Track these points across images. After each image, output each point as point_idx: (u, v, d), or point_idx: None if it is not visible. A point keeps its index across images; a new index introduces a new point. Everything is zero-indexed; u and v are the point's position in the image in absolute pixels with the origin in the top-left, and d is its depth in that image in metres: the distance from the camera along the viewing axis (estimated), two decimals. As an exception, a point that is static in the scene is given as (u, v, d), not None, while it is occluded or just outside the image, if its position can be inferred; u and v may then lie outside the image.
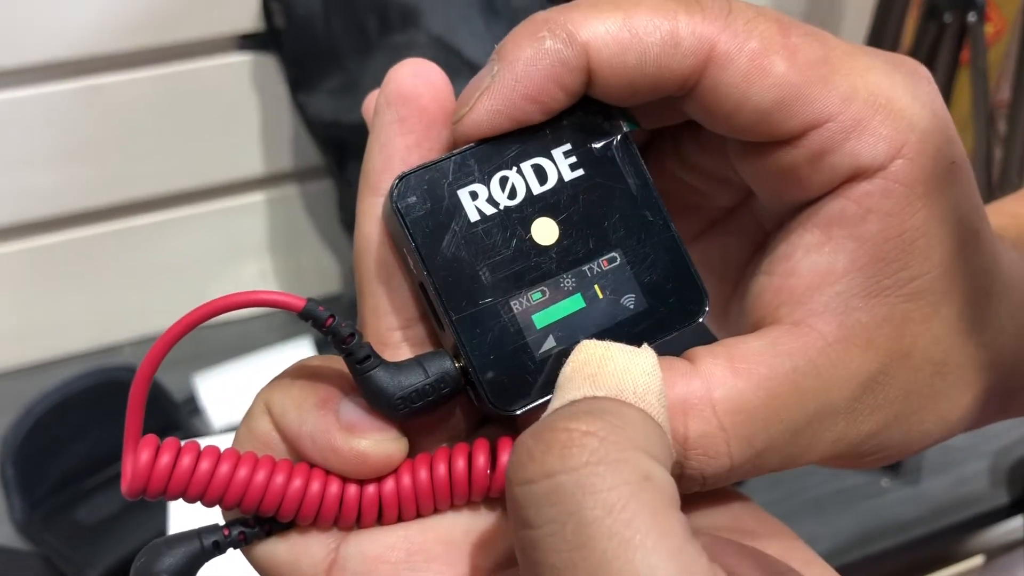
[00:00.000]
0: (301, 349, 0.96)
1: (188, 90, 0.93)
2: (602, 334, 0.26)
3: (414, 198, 0.25)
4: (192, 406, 0.93)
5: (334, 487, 0.25)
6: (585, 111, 0.26)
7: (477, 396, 0.26)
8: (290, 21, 0.88)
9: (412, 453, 0.26)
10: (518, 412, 0.25)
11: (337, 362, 0.26)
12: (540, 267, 0.26)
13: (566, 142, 0.26)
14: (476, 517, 0.26)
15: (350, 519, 0.25)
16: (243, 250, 1.05)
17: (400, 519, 0.26)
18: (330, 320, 0.24)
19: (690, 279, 0.27)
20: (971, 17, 0.94)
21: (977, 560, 0.87)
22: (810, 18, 1.13)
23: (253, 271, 1.07)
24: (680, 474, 0.25)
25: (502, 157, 0.26)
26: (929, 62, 0.94)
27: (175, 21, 0.89)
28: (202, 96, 0.94)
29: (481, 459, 0.25)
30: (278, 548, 0.26)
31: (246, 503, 0.25)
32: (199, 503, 0.25)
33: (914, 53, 0.97)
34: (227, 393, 0.93)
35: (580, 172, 0.26)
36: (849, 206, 0.25)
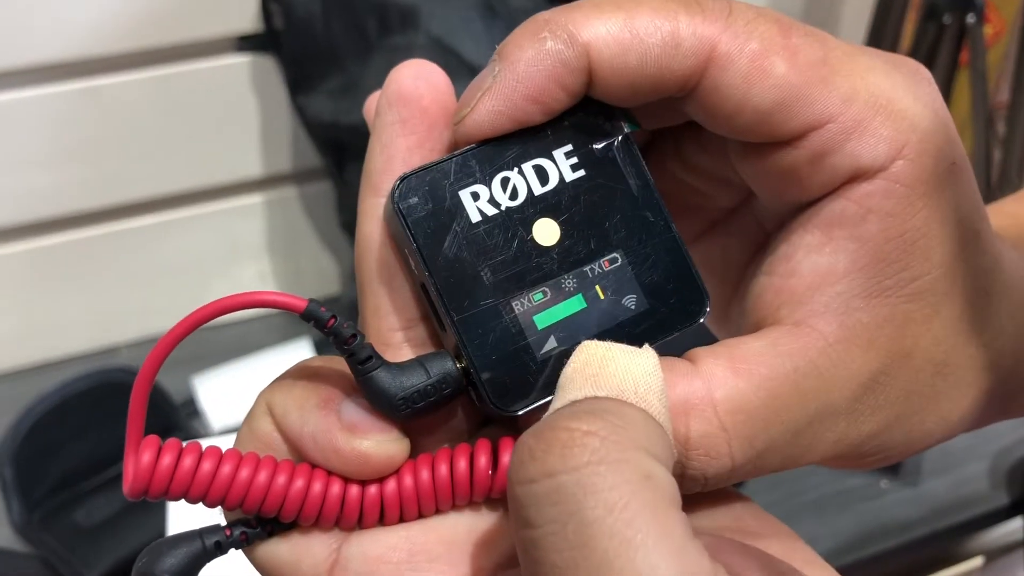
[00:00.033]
0: (300, 351, 0.96)
1: (187, 91, 0.93)
2: (603, 335, 0.26)
3: (416, 199, 0.25)
4: (191, 408, 0.93)
5: (336, 487, 0.25)
6: (586, 112, 0.26)
7: (479, 397, 0.26)
8: (289, 22, 0.88)
9: (414, 454, 0.26)
10: (519, 413, 0.25)
11: (338, 363, 0.26)
12: (541, 268, 0.26)
13: (567, 143, 0.26)
14: (478, 517, 0.26)
15: (352, 519, 0.25)
16: (242, 251, 1.05)
17: (402, 519, 0.26)
18: (332, 321, 0.24)
19: (691, 280, 0.27)
20: (970, 18, 0.94)
21: (977, 561, 0.87)
22: (809, 19, 1.13)
23: (252, 272, 1.07)
24: (682, 474, 0.25)
25: (503, 158, 0.26)
26: (928, 63, 0.94)
27: (174, 22, 0.89)
28: (201, 97, 0.94)
29: (483, 459, 0.25)
30: (280, 548, 0.26)
31: (248, 504, 0.25)
32: (201, 504, 0.25)
33: (913, 54, 0.97)
34: (226, 395, 0.93)
35: (581, 173, 0.26)
36: (850, 207, 0.26)
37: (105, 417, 0.85)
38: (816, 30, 0.26)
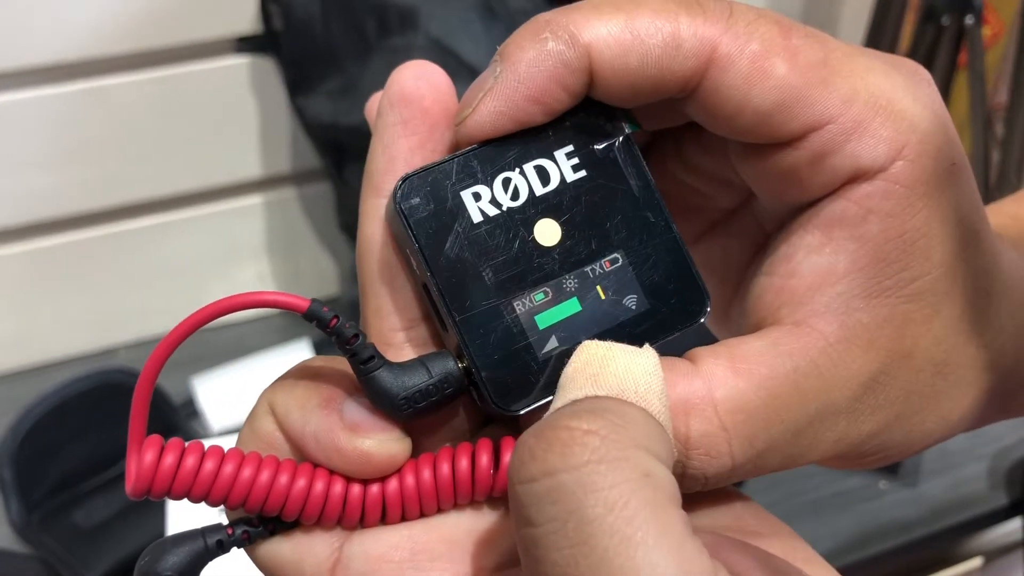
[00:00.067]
0: (299, 352, 0.96)
1: (186, 92, 0.93)
2: (604, 335, 0.26)
3: (417, 199, 0.25)
4: (190, 409, 0.93)
5: (338, 487, 0.25)
6: (587, 112, 0.26)
7: (480, 396, 0.26)
8: (288, 23, 0.88)
9: (415, 453, 0.26)
10: (521, 412, 0.26)
11: (340, 363, 0.26)
12: (543, 268, 0.26)
13: (568, 143, 0.26)
14: (479, 516, 0.26)
15: (354, 519, 0.25)
16: (241, 252, 1.05)
17: (404, 519, 0.26)
18: (334, 321, 0.24)
19: (691, 280, 0.27)
20: (969, 20, 0.94)
21: (976, 562, 0.88)
22: (808, 21, 1.13)
23: (251, 273, 1.07)
24: (682, 473, 0.25)
25: (505, 158, 0.26)
26: (927, 65, 0.94)
27: (173, 23, 0.89)
28: (200, 98, 0.94)
29: (484, 459, 0.25)
30: (282, 547, 0.26)
31: (250, 503, 0.25)
32: (203, 503, 0.25)
33: (911, 56, 0.97)
34: (225, 396, 0.93)
35: (582, 173, 0.27)
36: (850, 207, 0.26)
37: (104, 418, 0.85)
38: (816, 31, 0.26)
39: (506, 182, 0.26)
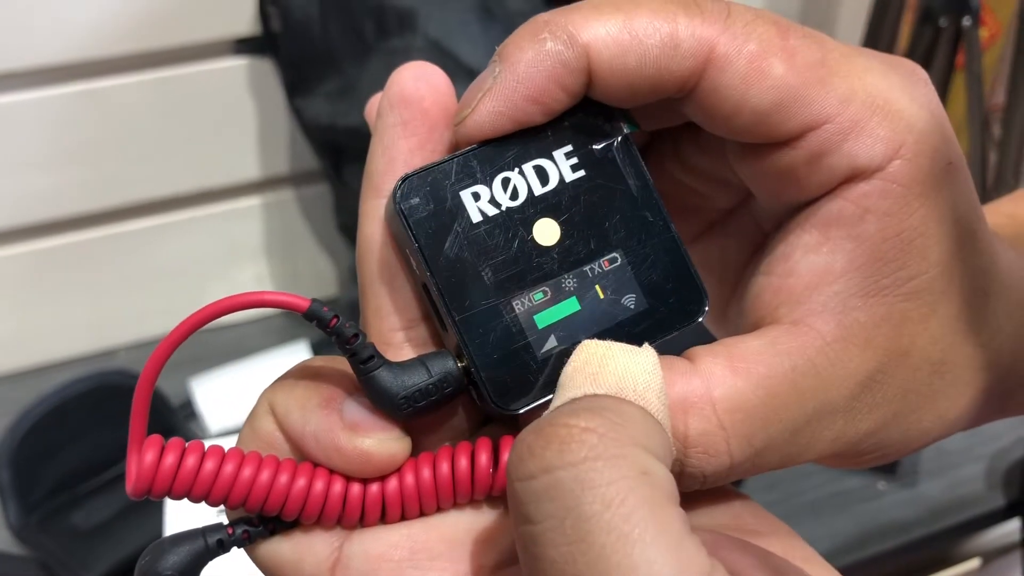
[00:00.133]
0: (298, 353, 0.96)
1: (185, 94, 0.93)
2: (603, 334, 0.26)
3: (417, 199, 0.25)
4: (188, 410, 0.93)
5: (338, 486, 0.25)
6: (586, 112, 0.27)
7: (479, 395, 0.26)
8: (287, 25, 0.88)
9: (415, 452, 0.26)
10: (520, 411, 0.26)
11: (340, 362, 0.26)
12: (542, 267, 0.26)
13: (567, 143, 0.27)
14: (479, 515, 0.26)
15: (353, 518, 0.25)
16: (240, 254, 1.05)
17: (403, 518, 0.26)
18: (334, 320, 0.24)
19: (690, 279, 0.27)
20: (966, 21, 0.94)
21: (974, 563, 0.88)
22: (806, 21, 1.13)
23: (249, 275, 1.07)
24: (680, 472, 0.25)
25: (504, 158, 0.26)
26: (924, 66, 0.94)
27: (172, 25, 0.89)
28: (199, 100, 0.94)
29: (483, 458, 0.25)
30: (282, 547, 0.26)
31: (250, 502, 0.25)
32: (203, 503, 0.25)
33: (909, 57, 0.97)
34: (224, 397, 0.93)
35: (581, 173, 0.27)
36: (847, 206, 0.26)
37: (103, 419, 0.85)
38: (814, 32, 0.26)
39: (505, 182, 0.26)
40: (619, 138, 0.27)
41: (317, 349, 0.97)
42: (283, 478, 0.25)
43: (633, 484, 0.20)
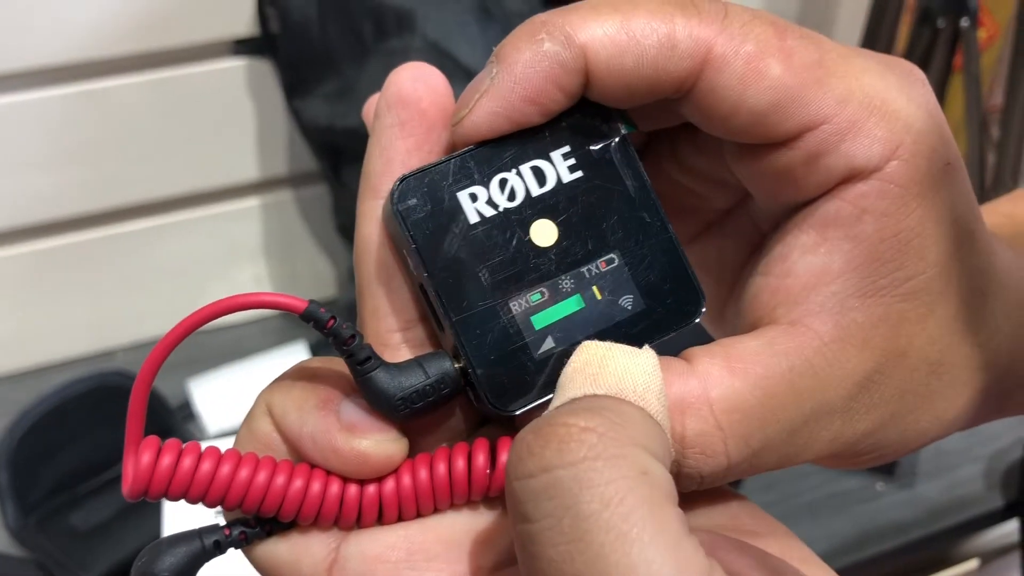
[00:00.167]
0: (296, 354, 0.96)
1: (184, 95, 0.93)
2: (600, 335, 0.26)
3: (414, 200, 0.25)
4: (186, 411, 0.93)
5: (335, 487, 0.25)
6: (583, 113, 0.27)
7: (476, 397, 0.26)
8: (285, 26, 0.88)
9: (412, 453, 0.26)
10: (517, 412, 0.26)
11: (337, 363, 0.26)
12: (539, 268, 0.26)
13: (564, 144, 0.27)
14: (476, 516, 0.26)
15: (350, 519, 0.25)
16: (238, 255, 1.05)
17: (400, 519, 0.26)
18: (331, 322, 0.24)
19: (687, 280, 0.27)
20: (964, 22, 0.94)
21: (972, 564, 0.88)
22: (804, 22, 1.13)
23: (248, 276, 1.07)
24: (678, 472, 0.25)
25: (501, 159, 0.26)
26: (922, 67, 0.94)
27: (171, 26, 0.89)
28: (197, 101, 0.94)
29: (481, 458, 0.25)
30: (279, 548, 0.26)
31: (247, 503, 0.25)
32: (200, 504, 0.25)
33: (907, 58, 0.97)
34: (222, 398, 0.93)
35: (579, 174, 0.27)
36: (845, 207, 0.26)
37: (102, 420, 0.85)
38: (812, 32, 0.26)
39: (503, 183, 0.26)
40: (616, 139, 0.27)
41: (315, 350, 0.97)
42: (280, 479, 0.25)
43: (632, 484, 0.20)
